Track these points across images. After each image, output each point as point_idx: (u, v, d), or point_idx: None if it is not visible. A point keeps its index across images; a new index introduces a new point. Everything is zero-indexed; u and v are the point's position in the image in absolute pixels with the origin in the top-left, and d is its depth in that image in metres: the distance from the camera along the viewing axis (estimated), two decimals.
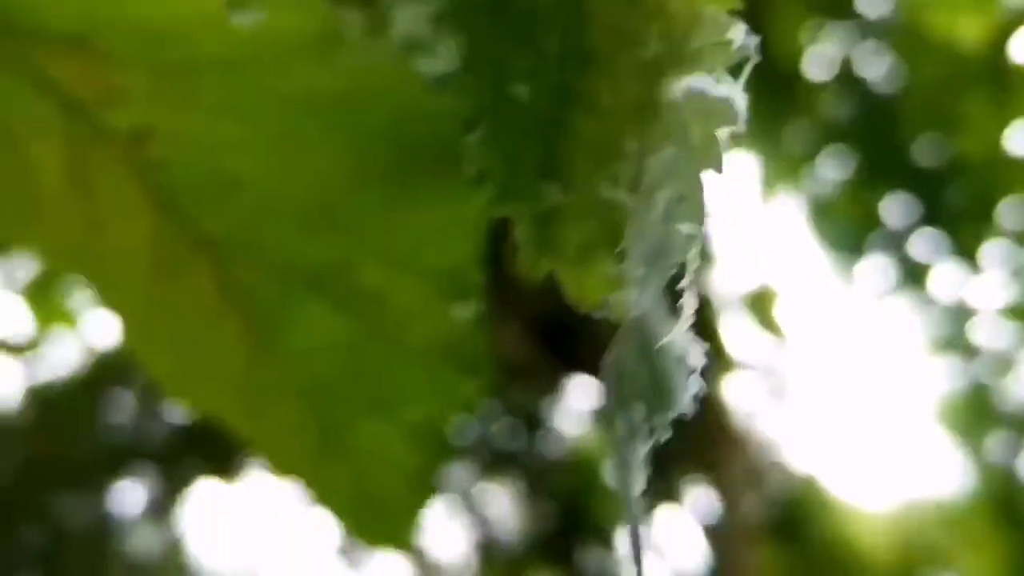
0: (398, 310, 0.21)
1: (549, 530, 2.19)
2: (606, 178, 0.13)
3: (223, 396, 0.22)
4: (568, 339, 1.99)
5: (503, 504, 2.21)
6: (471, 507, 2.20)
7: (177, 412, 2.05)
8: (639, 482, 0.14)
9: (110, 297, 0.22)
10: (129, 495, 2.16)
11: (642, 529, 0.14)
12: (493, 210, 0.13)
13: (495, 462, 2.10)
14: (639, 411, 0.13)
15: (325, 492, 0.22)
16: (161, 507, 2.15)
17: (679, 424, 0.15)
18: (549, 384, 2.05)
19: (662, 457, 0.16)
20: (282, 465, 0.22)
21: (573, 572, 2.21)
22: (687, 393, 0.14)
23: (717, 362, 1.94)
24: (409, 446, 0.22)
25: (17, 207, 0.20)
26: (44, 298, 1.70)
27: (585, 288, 0.14)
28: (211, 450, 2.06)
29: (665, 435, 0.14)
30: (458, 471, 2.04)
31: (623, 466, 0.13)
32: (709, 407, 1.98)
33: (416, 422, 0.22)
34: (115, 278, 0.21)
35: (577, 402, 2.13)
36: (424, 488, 0.22)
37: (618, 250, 0.13)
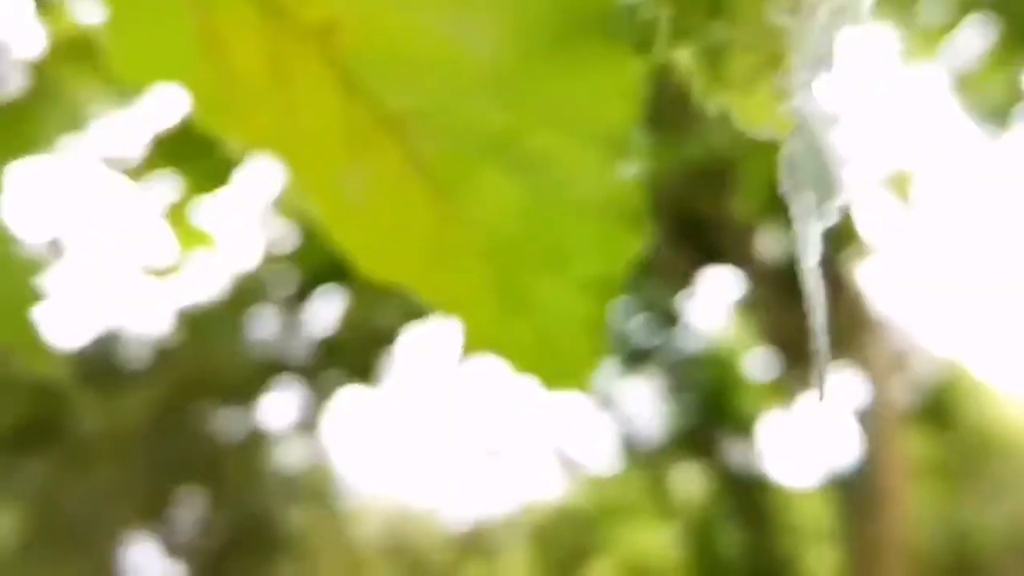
0: (566, 171, 0.23)
1: (691, 425, 2.21)
2: (769, 6, 0.15)
3: (412, 264, 0.25)
4: (703, 234, 1.99)
5: (644, 401, 2.24)
6: (613, 405, 2.24)
7: (318, 326, 2.12)
8: (816, 256, 0.16)
9: (305, 178, 0.24)
10: (277, 408, 2.24)
11: (821, 302, 0.16)
12: (664, 53, 0.16)
13: (635, 359, 2.13)
14: (810, 198, 0.16)
15: (508, 346, 0.25)
16: (308, 418, 2.23)
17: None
18: (686, 279, 2.06)
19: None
20: (467, 324, 0.25)
21: (716, 465, 2.24)
22: (845, 188, 0.16)
23: (857, 246, 1.92)
24: (583, 298, 0.24)
25: (223, 100, 0.23)
26: (184, 222, 1.76)
27: (753, 113, 0.16)
28: (352, 361, 2.13)
29: (832, 220, 0.16)
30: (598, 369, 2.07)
31: (803, 241, 0.16)
32: (850, 292, 1.97)
33: (588, 276, 0.24)
34: (310, 160, 0.24)
35: (713, 296, 2.14)
36: (600, 336, 0.24)
37: (782, 72, 0.15)
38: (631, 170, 0.23)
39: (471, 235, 0.24)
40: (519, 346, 0.25)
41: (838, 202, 0.16)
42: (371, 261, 0.25)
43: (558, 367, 0.25)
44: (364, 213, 0.24)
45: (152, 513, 2.26)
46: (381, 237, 0.24)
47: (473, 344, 0.25)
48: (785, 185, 0.16)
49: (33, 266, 0.40)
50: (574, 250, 0.24)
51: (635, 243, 0.24)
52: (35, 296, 0.40)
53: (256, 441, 2.26)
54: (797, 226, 0.16)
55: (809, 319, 0.16)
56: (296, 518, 2.41)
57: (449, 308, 0.25)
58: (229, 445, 2.24)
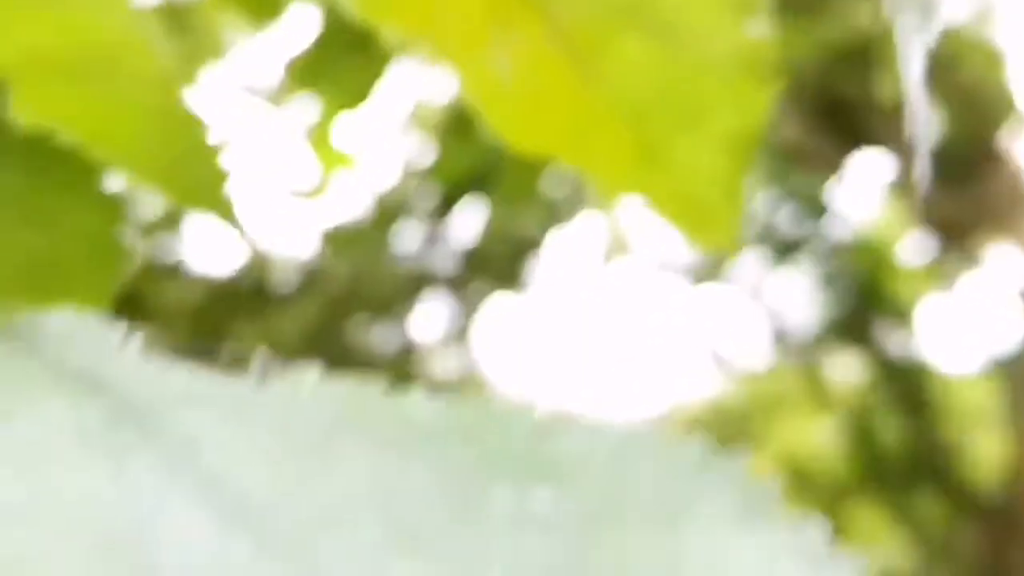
0: (697, 31, 0.25)
1: (845, 314, 2.20)
2: None
3: (556, 132, 0.27)
4: (850, 118, 1.96)
5: (796, 292, 2.23)
6: (764, 298, 2.23)
7: (462, 237, 2.15)
8: (918, 72, 0.18)
9: (454, 58, 0.27)
10: (426, 320, 2.29)
11: (925, 116, 0.18)
12: None
13: (785, 250, 2.12)
14: (912, 16, 0.17)
15: (653, 200, 0.27)
16: (457, 328, 2.28)
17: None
18: (833, 166, 2.03)
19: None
20: (610, 183, 0.27)
21: (873, 353, 2.22)
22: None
23: (1016, 121, 1.87)
24: (721, 154, 0.26)
25: None
26: (325, 144, 1.81)
27: None
28: (498, 269, 2.16)
29: (932, 39, 0.18)
30: (747, 261, 2.07)
31: (906, 59, 0.17)
32: (1009, 168, 1.92)
33: (724, 131, 0.26)
34: (458, 39, 0.26)
35: (861, 182, 2.10)
36: (739, 192, 0.26)
37: None
38: (760, 28, 0.25)
39: (610, 98, 0.25)
40: (662, 200, 0.27)
41: (938, 22, 0.18)
42: (519, 133, 0.27)
43: (701, 220, 0.27)
44: (510, 87, 0.26)
45: None
46: (527, 109, 0.26)
47: (618, 194, 0.27)
48: (889, 7, 0.17)
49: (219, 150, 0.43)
50: (709, 107, 0.25)
51: (767, 97, 0.25)
52: (224, 175, 0.42)
53: (408, 354, 2.32)
54: (901, 45, 0.18)
55: (913, 137, 0.18)
56: None
57: (591, 170, 0.27)
58: (382, 360, 2.31)
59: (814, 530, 0.23)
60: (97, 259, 0.40)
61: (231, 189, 0.40)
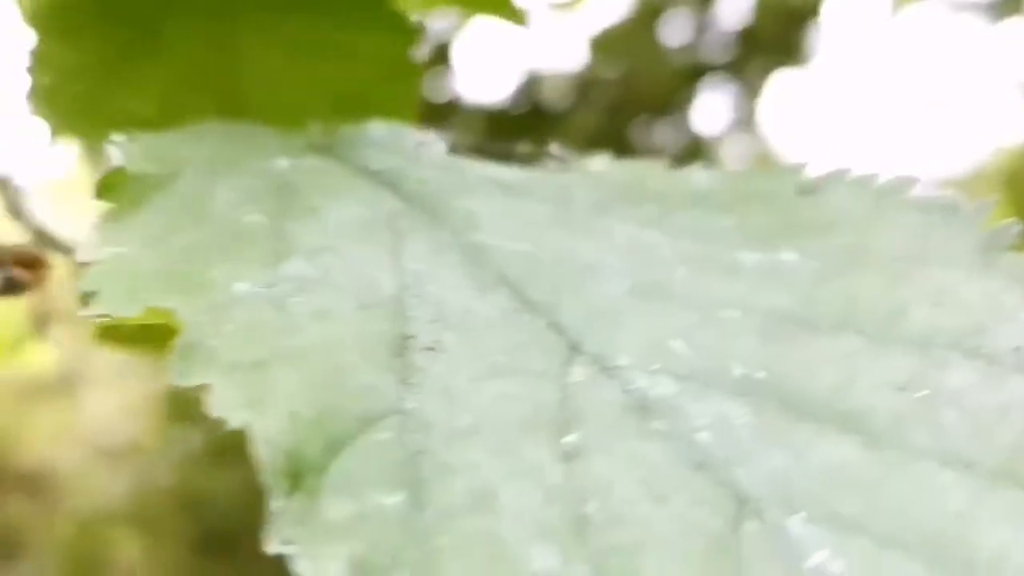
0: None
1: None
2: None
3: None
4: None
5: None
6: None
7: (732, 19, 2.10)
8: None
9: None
10: (709, 112, 2.27)
11: None
12: None
13: None
14: None
15: None
16: (743, 114, 2.25)
17: None
18: None
19: None
20: None
21: None
22: None
23: None
24: None
25: None
26: None
27: None
28: (775, 46, 2.11)
29: None
30: None
31: None
32: None
33: None
34: None
35: None
36: None
37: None
38: None
39: None
40: None
41: None
42: None
43: None
44: None
45: None
46: None
47: None
48: None
49: None
50: None
51: None
52: None
53: (695, 147, 2.31)
54: None
55: None
56: None
57: None
58: (670, 159, 2.29)
59: None
60: (395, 83, 0.43)
61: None
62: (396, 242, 0.25)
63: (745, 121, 2.27)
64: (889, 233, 0.27)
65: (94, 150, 0.43)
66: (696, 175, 0.30)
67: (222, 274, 0.23)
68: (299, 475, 0.18)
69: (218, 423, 0.19)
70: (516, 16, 0.44)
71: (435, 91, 1.95)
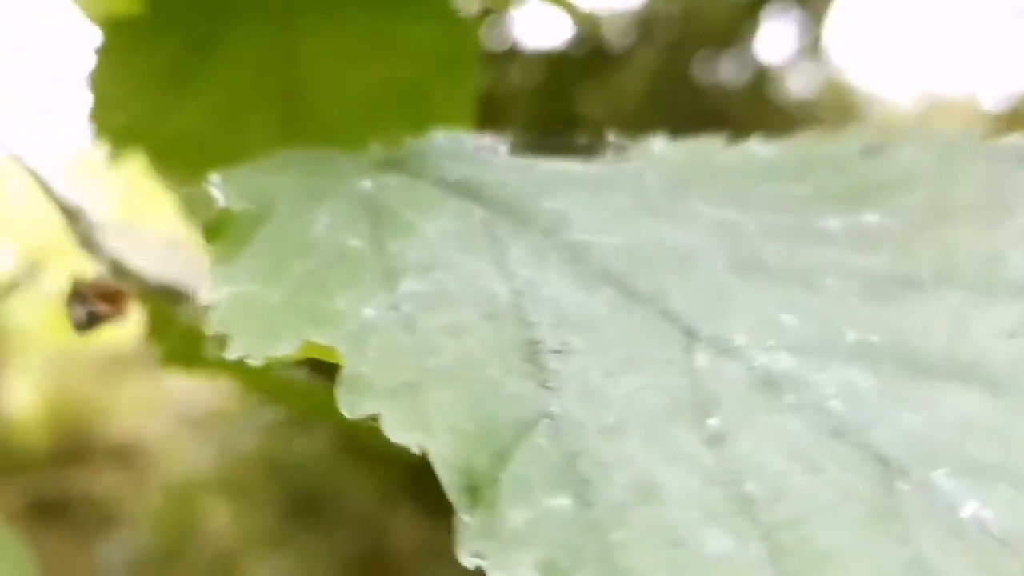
0: None
1: None
2: None
3: None
4: None
5: None
6: None
7: None
8: None
9: None
10: (774, 40, 2.24)
11: None
12: None
13: None
14: None
15: None
16: (809, 41, 2.22)
17: None
18: None
19: None
20: None
21: None
22: None
23: None
24: None
25: None
26: None
27: None
28: None
29: None
30: None
31: None
32: None
33: None
34: None
35: None
36: None
37: None
38: None
39: None
40: None
41: None
42: None
43: None
44: None
45: None
46: None
47: None
48: None
49: None
50: None
51: None
52: None
53: (761, 79, 2.28)
54: None
55: None
56: None
57: None
58: (736, 91, 2.26)
59: None
60: (452, 73, 0.45)
61: None
62: (497, 249, 0.26)
63: (811, 49, 2.24)
64: (964, 184, 0.28)
65: (155, 166, 0.44)
66: (759, 148, 0.31)
67: (347, 302, 0.24)
68: (476, 489, 0.19)
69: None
70: None
71: (494, 39, 1.93)
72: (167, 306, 0.37)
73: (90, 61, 0.44)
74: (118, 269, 0.37)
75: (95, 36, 0.45)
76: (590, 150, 0.33)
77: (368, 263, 0.26)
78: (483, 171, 0.30)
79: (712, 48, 2.19)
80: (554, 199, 0.28)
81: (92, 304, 0.32)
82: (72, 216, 0.38)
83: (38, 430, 2.41)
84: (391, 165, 0.31)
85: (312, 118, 0.45)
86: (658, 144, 0.33)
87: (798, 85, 2.33)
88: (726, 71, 2.25)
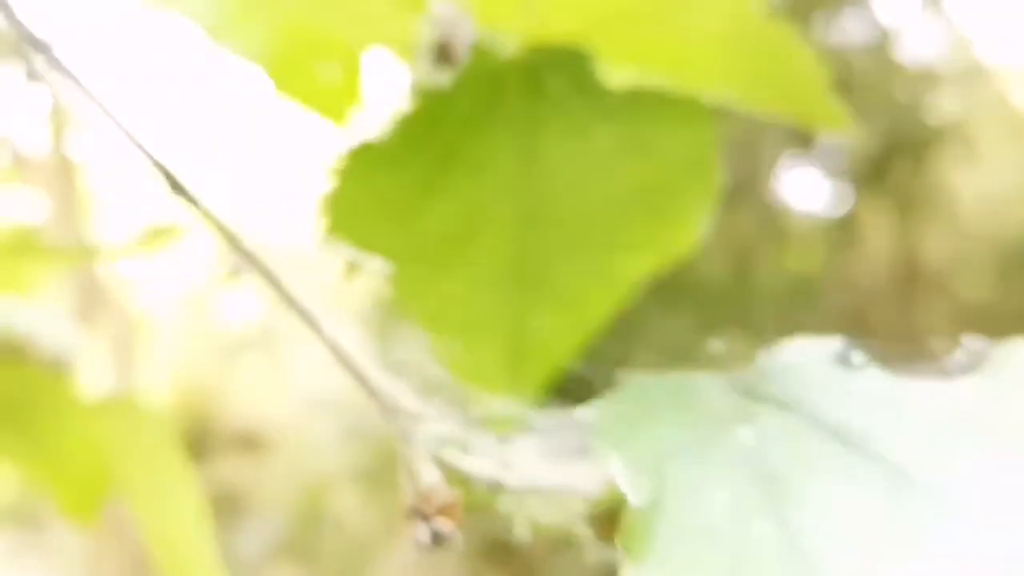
0: None
1: None
2: None
3: None
4: None
5: None
6: None
7: None
8: None
9: None
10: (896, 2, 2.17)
11: None
12: None
13: None
14: None
15: None
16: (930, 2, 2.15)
17: None
18: None
19: None
20: None
21: None
22: None
23: None
24: None
25: None
26: None
27: None
28: None
29: None
30: None
31: None
32: None
33: None
34: None
35: None
36: None
37: None
38: None
39: None
40: None
41: None
42: None
43: None
44: None
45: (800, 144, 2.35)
46: None
47: None
48: None
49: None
50: None
51: None
52: (824, 78, 0.45)
53: (881, 42, 2.22)
54: None
55: None
56: (945, 104, 2.36)
57: None
58: (854, 53, 2.21)
59: None
60: (699, 176, 0.45)
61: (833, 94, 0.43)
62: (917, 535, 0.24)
63: (933, 4, 2.17)
64: None
65: (392, 269, 0.45)
66: None
67: None
68: None
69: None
70: (834, 118, 0.45)
71: None
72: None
73: (331, 178, 0.45)
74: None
75: (335, 157, 0.45)
76: (935, 357, 0.31)
77: (783, 560, 0.23)
78: (865, 411, 0.27)
79: (830, 6, 2.13)
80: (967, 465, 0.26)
81: (435, 523, 0.30)
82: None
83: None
84: (756, 396, 0.28)
85: (551, 224, 0.46)
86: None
87: (917, 49, 2.26)
88: (845, 29, 2.19)
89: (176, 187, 0.33)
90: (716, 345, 0.42)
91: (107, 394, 0.60)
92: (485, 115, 0.45)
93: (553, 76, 0.45)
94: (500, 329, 0.46)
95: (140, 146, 0.34)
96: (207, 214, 0.34)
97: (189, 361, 2.46)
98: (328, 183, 0.45)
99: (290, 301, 0.34)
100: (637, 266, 0.46)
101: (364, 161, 0.45)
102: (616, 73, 0.44)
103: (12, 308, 0.64)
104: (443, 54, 0.42)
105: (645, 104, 0.45)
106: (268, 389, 2.51)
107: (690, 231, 0.45)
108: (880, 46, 2.21)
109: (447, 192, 0.46)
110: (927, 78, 2.26)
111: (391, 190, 0.46)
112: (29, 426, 0.60)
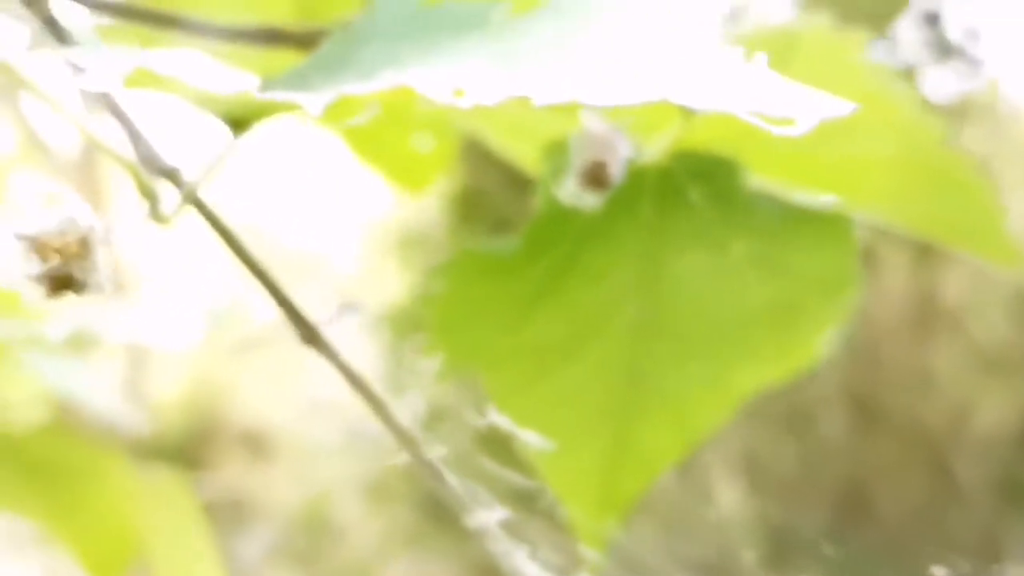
0: None
1: None
2: None
3: None
4: None
5: None
6: None
7: None
8: None
9: None
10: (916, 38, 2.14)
11: None
12: None
13: None
14: None
15: None
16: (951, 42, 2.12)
17: None
18: None
19: None
20: None
21: None
22: None
23: None
24: None
25: None
26: None
27: None
28: None
29: None
30: None
31: None
32: None
33: None
34: None
35: None
36: None
37: None
38: None
39: None
40: None
41: None
42: None
43: None
44: None
45: None
46: None
47: None
48: None
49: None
50: None
51: None
52: (1000, 213, 0.45)
53: (906, 79, 2.19)
54: None
55: None
56: (967, 142, 2.33)
57: None
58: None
59: None
60: (833, 299, 0.45)
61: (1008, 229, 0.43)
62: None
63: (959, 43, 2.15)
64: None
65: (491, 381, 0.45)
66: None
67: None
68: None
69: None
70: (1006, 253, 0.46)
71: None
72: None
73: (434, 286, 0.44)
74: None
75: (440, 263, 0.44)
76: None
77: None
78: None
79: None
80: None
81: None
82: None
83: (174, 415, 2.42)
84: None
85: (668, 334, 0.45)
86: None
87: (945, 84, 2.25)
88: None
89: (189, 195, 0.32)
90: None
91: (141, 468, 0.62)
92: (613, 221, 0.43)
93: (694, 184, 0.43)
94: (602, 434, 0.45)
95: (152, 151, 0.33)
96: (218, 223, 0.33)
97: (196, 363, 2.45)
98: (430, 287, 0.44)
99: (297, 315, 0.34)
100: (754, 380, 0.45)
101: (474, 268, 0.44)
102: (759, 181, 0.43)
103: (70, 369, 0.65)
104: (594, 177, 0.39)
105: (787, 219, 0.44)
106: (275, 389, 2.48)
107: (816, 347, 0.44)
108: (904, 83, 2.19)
109: (560, 298, 0.44)
110: (950, 116, 2.26)
111: (501, 300, 0.44)
112: (65, 490, 0.62)
